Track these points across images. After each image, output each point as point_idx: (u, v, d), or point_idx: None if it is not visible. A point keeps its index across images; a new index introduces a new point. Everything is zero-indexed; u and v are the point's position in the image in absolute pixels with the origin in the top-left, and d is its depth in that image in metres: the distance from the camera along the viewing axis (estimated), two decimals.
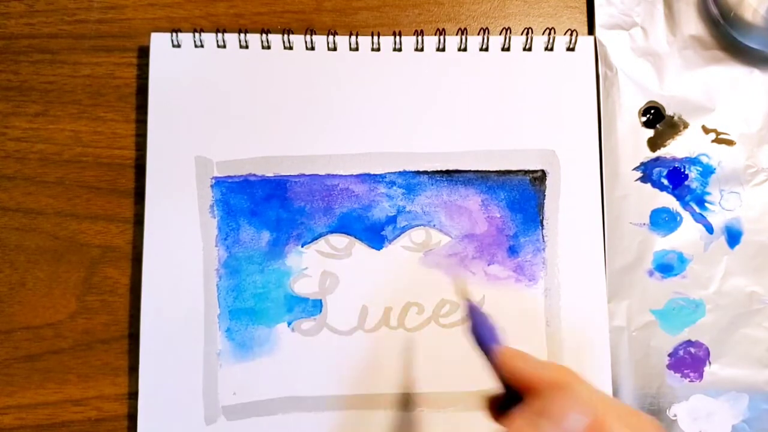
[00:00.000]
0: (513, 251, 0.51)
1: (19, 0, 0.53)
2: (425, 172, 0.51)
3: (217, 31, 0.52)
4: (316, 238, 0.50)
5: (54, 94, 0.52)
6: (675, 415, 0.50)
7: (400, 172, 0.51)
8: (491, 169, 0.51)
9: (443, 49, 0.52)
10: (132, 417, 0.49)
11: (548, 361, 0.39)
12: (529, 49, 0.52)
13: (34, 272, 0.51)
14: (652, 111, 0.53)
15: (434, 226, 0.51)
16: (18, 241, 0.51)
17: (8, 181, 0.52)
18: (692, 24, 0.54)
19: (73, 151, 0.52)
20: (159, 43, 0.52)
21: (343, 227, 0.50)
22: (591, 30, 0.54)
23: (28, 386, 0.50)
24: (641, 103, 0.53)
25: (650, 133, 0.53)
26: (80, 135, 0.52)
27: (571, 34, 0.52)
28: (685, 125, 0.53)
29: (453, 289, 0.50)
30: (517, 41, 0.52)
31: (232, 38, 0.52)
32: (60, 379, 0.50)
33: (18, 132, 0.52)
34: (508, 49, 0.52)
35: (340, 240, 0.50)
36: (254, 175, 0.51)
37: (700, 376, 0.51)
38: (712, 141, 0.53)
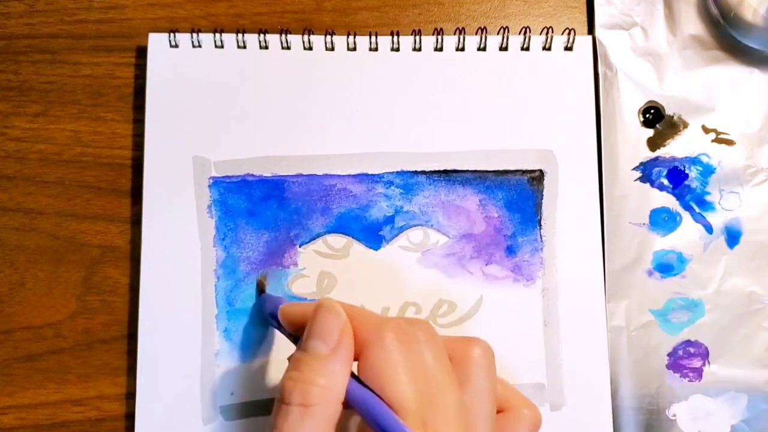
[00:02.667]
0: (511, 251, 0.51)
1: (19, 0, 0.53)
2: (423, 172, 0.51)
3: (215, 32, 0.52)
4: (314, 238, 0.50)
5: (54, 94, 0.53)
6: (674, 415, 0.50)
7: (397, 172, 0.51)
8: (489, 169, 0.51)
9: (441, 49, 0.52)
10: (132, 417, 0.49)
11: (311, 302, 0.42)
12: (527, 49, 0.52)
13: (34, 272, 0.51)
14: (652, 111, 0.53)
15: (432, 226, 0.51)
16: (18, 241, 0.51)
17: (8, 181, 0.52)
18: (692, 24, 0.54)
19: (73, 151, 0.52)
20: (157, 43, 0.52)
21: (340, 227, 0.50)
22: (591, 30, 0.54)
23: (28, 386, 0.50)
24: (641, 103, 0.53)
25: (650, 132, 0.53)
26: (80, 135, 0.52)
27: (569, 34, 0.52)
28: (685, 125, 0.53)
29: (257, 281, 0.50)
30: (515, 41, 0.52)
31: (229, 38, 0.52)
32: (60, 379, 0.50)
33: (18, 132, 0.52)
34: (506, 49, 0.52)
35: (337, 240, 0.50)
36: (252, 175, 0.51)
37: (699, 376, 0.51)
38: (712, 141, 0.53)
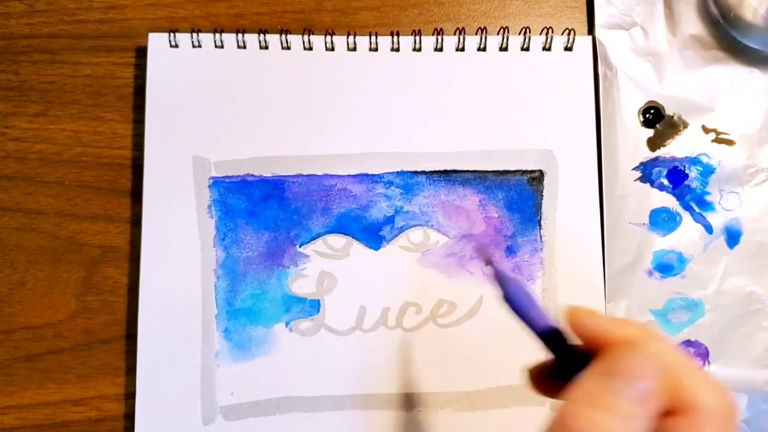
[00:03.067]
0: (511, 251, 0.51)
1: (19, 0, 0.53)
2: (423, 172, 0.51)
3: (215, 32, 0.52)
4: (314, 238, 0.50)
5: (54, 94, 0.53)
6: None
7: (397, 172, 0.51)
8: (489, 169, 0.51)
9: (441, 49, 0.52)
10: (132, 417, 0.49)
11: (620, 318, 0.35)
12: (527, 49, 0.52)
13: (34, 272, 0.51)
14: (652, 111, 0.53)
15: (432, 226, 0.51)
16: (18, 241, 0.51)
17: (8, 181, 0.52)
18: (692, 24, 0.54)
19: (73, 151, 0.52)
20: (157, 43, 0.52)
21: (340, 227, 0.50)
22: (591, 30, 0.54)
23: (28, 386, 0.50)
24: (641, 103, 0.53)
25: (650, 132, 0.53)
26: (80, 135, 0.52)
27: (569, 34, 0.52)
28: (685, 125, 0.53)
29: (479, 258, 0.49)
30: (515, 41, 0.52)
31: (229, 38, 0.52)
32: (60, 379, 0.50)
33: (18, 132, 0.52)
34: (506, 49, 0.52)
35: (337, 240, 0.50)
36: (252, 175, 0.51)
37: None
38: (712, 141, 0.53)
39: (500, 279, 0.36)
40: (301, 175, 0.51)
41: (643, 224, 0.52)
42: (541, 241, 0.51)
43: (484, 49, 0.52)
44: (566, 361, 0.34)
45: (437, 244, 0.51)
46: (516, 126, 0.52)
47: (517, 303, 0.36)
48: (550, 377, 0.36)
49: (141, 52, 0.53)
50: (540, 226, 0.51)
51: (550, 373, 0.36)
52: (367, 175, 0.51)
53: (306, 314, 0.50)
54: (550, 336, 0.35)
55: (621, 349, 0.31)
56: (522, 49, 0.52)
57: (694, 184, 0.52)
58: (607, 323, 0.32)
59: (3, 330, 0.51)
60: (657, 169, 0.52)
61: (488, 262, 0.41)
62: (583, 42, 0.53)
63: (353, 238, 0.50)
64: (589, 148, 0.52)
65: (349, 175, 0.51)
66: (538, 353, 0.50)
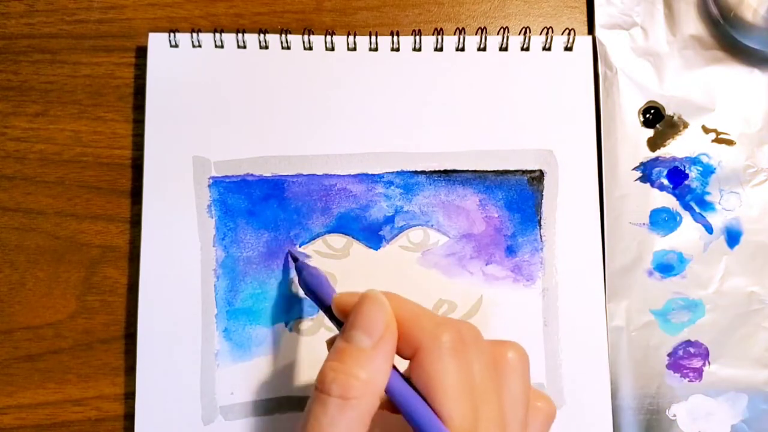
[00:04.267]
0: (511, 251, 0.51)
1: (19, 0, 0.54)
2: (423, 172, 0.51)
3: (214, 32, 0.52)
4: (314, 238, 0.50)
5: (54, 94, 0.53)
6: (674, 415, 0.50)
7: (397, 171, 0.51)
8: (489, 169, 0.51)
9: (441, 49, 0.52)
10: (132, 417, 0.49)
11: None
12: (527, 49, 0.52)
13: (34, 272, 0.51)
14: (652, 111, 0.53)
15: (432, 226, 0.51)
16: (18, 241, 0.51)
17: (8, 181, 0.52)
18: (692, 24, 0.54)
19: (73, 151, 0.52)
20: (157, 43, 0.52)
21: (340, 227, 0.50)
22: (591, 30, 0.54)
23: (28, 386, 0.50)
24: (641, 103, 0.53)
25: (650, 133, 0.53)
26: (80, 135, 0.52)
27: (569, 34, 0.52)
28: (685, 125, 0.53)
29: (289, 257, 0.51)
30: (515, 41, 0.52)
31: (229, 38, 0.52)
32: (60, 379, 0.50)
33: (18, 132, 0.52)
34: (506, 49, 0.52)
35: (337, 240, 0.50)
36: (252, 175, 0.51)
37: (700, 376, 0.51)
38: (712, 141, 0.53)
39: (298, 268, 0.46)
40: (301, 175, 0.51)
41: (643, 224, 0.52)
42: (542, 241, 0.51)
43: (484, 49, 0.52)
44: None
45: (437, 244, 0.51)
46: (516, 126, 0.52)
47: (310, 285, 0.43)
48: None
49: (141, 52, 0.53)
50: (540, 225, 0.51)
51: None
52: (367, 174, 0.51)
53: (306, 314, 0.50)
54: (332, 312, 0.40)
55: (355, 306, 0.37)
56: (522, 49, 0.52)
57: (694, 184, 0.52)
58: (353, 298, 0.38)
59: (3, 330, 0.51)
60: (657, 169, 0.52)
61: (295, 259, 0.48)
62: (583, 42, 0.53)
63: (353, 237, 0.50)
64: (589, 148, 0.52)
65: (349, 175, 0.51)
66: (538, 353, 0.51)
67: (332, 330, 0.50)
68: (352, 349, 0.36)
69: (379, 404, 0.36)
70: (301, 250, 0.50)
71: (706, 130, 0.53)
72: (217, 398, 0.49)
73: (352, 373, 0.35)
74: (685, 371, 0.51)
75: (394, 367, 0.37)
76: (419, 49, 0.52)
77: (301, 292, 0.50)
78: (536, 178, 0.51)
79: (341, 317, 0.39)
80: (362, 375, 0.35)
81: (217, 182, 0.50)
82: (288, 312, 0.50)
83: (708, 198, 0.52)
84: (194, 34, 0.52)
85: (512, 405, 0.37)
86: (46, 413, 0.50)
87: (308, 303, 0.50)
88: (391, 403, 0.37)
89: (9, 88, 0.53)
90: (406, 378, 0.36)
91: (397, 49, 0.52)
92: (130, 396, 0.50)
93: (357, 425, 0.34)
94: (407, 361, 0.37)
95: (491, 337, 0.39)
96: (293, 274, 0.50)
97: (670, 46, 0.53)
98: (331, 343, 0.42)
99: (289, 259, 0.50)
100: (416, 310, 0.38)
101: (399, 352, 0.37)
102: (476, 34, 0.52)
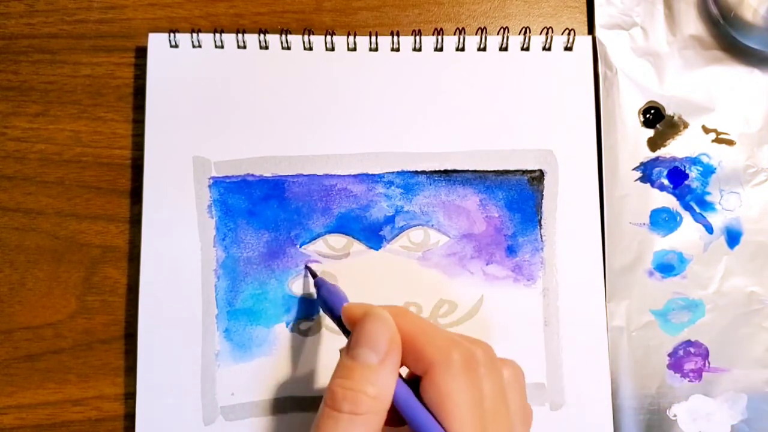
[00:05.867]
0: (511, 251, 0.51)
1: (19, 0, 0.53)
2: (423, 172, 0.51)
3: (215, 32, 0.52)
4: (315, 238, 0.50)
5: (54, 94, 0.53)
6: (675, 415, 0.50)
7: (398, 171, 0.51)
8: (489, 169, 0.51)
9: (441, 49, 0.52)
10: (132, 417, 0.49)
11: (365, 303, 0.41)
12: (527, 49, 0.52)
13: (34, 272, 0.51)
14: (652, 111, 0.53)
15: (432, 225, 0.51)
16: (18, 241, 0.51)
17: (8, 181, 0.52)
18: (692, 24, 0.54)
19: (73, 151, 0.52)
20: (157, 43, 0.52)
21: (341, 227, 0.50)
22: (591, 30, 0.54)
23: (28, 386, 0.50)
24: (641, 103, 0.53)
25: (650, 133, 0.53)
26: (80, 135, 0.52)
27: (569, 34, 0.52)
28: (685, 125, 0.53)
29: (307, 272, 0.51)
30: (515, 41, 0.52)
31: (230, 38, 0.52)
32: (60, 379, 0.50)
33: (18, 132, 0.52)
34: (506, 49, 0.52)
35: (338, 240, 0.50)
36: (252, 175, 0.51)
37: (700, 376, 0.51)
38: (712, 141, 0.53)
39: (317, 284, 0.46)
40: (301, 175, 0.51)
41: (644, 224, 0.52)
42: (542, 241, 0.51)
43: (484, 49, 0.52)
44: None
45: (438, 244, 0.51)
46: (516, 126, 0.52)
47: (328, 301, 0.44)
48: None
49: (141, 52, 0.53)
50: (540, 225, 0.51)
51: None
52: (367, 174, 0.51)
53: (306, 314, 0.50)
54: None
55: (358, 324, 0.38)
56: (522, 49, 0.52)
57: (695, 184, 0.52)
58: (362, 309, 0.39)
59: (3, 330, 0.51)
60: (657, 169, 0.52)
61: (314, 274, 0.48)
62: (583, 42, 0.53)
63: (354, 238, 0.50)
64: (589, 148, 0.52)
65: (349, 175, 0.51)
66: (538, 353, 0.51)
67: (332, 330, 0.50)
68: (359, 366, 0.36)
69: (386, 417, 0.36)
70: (301, 250, 0.50)
71: (706, 130, 0.53)
72: (218, 399, 0.49)
73: (361, 389, 0.36)
74: (685, 371, 0.51)
75: (403, 381, 0.37)
76: (419, 49, 0.52)
77: (301, 292, 0.50)
78: (536, 178, 0.51)
79: (350, 327, 0.40)
80: (371, 391, 0.36)
81: (217, 182, 0.50)
82: (288, 312, 0.50)
83: (708, 198, 0.52)
84: (194, 35, 0.52)
85: (515, 423, 0.38)
86: (46, 413, 0.50)
87: (308, 303, 0.50)
88: (393, 418, 0.37)
89: (9, 88, 0.53)
90: (415, 392, 0.37)
91: (397, 49, 0.52)
92: (130, 396, 0.50)
93: None
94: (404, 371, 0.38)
95: (492, 337, 0.39)
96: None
97: (670, 46, 0.53)
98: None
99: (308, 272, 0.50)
100: (429, 328, 0.38)
101: (411, 368, 0.38)
102: (476, 34, 0.52)
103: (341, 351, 0.41)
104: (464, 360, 0.36)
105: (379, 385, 0.36)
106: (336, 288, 0.45)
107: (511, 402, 0.38)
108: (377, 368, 0.36)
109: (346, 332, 0.41)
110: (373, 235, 0.50)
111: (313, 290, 0.50)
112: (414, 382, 0.38)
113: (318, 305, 0.49)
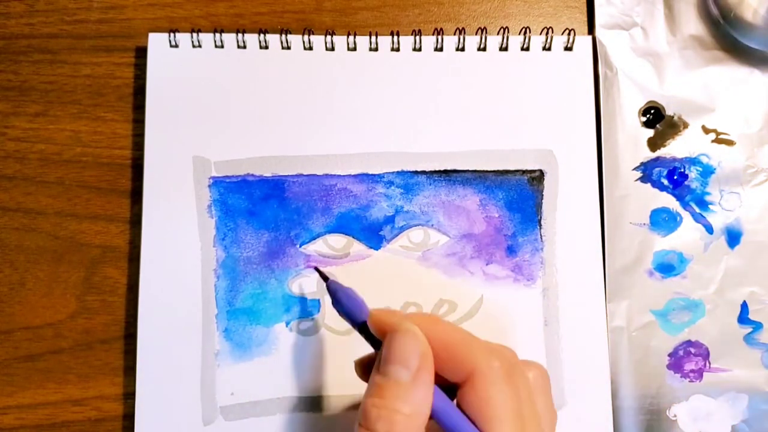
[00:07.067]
0: (511, 251, 0.51)
1: (19, 0, 0.53)
2: (423, 172, 0.51)
3: (215, 32, 0.52)
4: (314, 238, 0.50)
5: (54, 94, 0.53)
6: (675, 416, 0.50)
7: (398, 171, 0.51)
8: (489, 169, 0.51)
9: (441, 49, 0.52)
10: (132, 417, 0.49)
11: (394, 311, 0.41)
12: (527, 49, 0.52)
13: (34, 272, 0.51)
14: (652, 111, 0.53)
15: (432, 225, 0.51)
16: (18, 241, 0.51)
17: (8, 181, 0.52)
18: (692, 24, 0.54)
19: (73, 151, 0.52)
20: (157, 43, 0.52)
21: (341, 227, 0.50)
22: (591, 30, 0.54)
23: (28, 386, 0.50)
24: (641, 103, 0.53)
25: (650, 133, 0.53)
26: (80, 135, 0.52)
27: (569, 34, 0.52)
28: (685, 125, 0.53)
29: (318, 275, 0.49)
30: (515, 41, 0.52)
31: (230, 38, 0.52)
32: (60, 379, 0.50)
33: (18, 132, 0.52)
34: (506, 49, 0.52)
35: (338, 240, 0.50)
36: (252, 175, 0.51)
37: (700, 377, 0.51)
38: (712, 141, 0.53)
39: (332, 289, 0.42)
40: (301, 175, 0.51)
41: (644, 224, 0.52)
42: (542, 241, 0.51)
43: (484, 49, 0.52)
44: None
45: (438, 244, 0.51)
46: (516, 126, 0.52)
47: (346, 306, 0.41)
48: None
49: (141, 52, 0.53)
50: (540, 225, 0.51)
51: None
52: (367, 174, 0.51)
53: (306, 314, 0.50)
54: (367, 329, 0.39)
55: (386, 340, 0.37)
56: (522, 49, 0.52)
57: (695, 185, 0.52)
58: (390, 317, 0.38)
59: (3, 330, 0.51)
60: (657, 169, 0.52)
61: (325, 278, 0.44)
62: (583, 42, 0.53)
63: (353, 237, 0.50)
64: (589, 148, 0.52)
65: (349, 175, 0.51)
66: (538, 353, 0.51)
67: (331, 330, 0.50)
68: (391, 384, 0.35)
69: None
70: (301, 250, 0.50)
71: (706, 130, 0.53)
72: (218, 398, 0.49)
73: (395, 408, 0.35)
74: (685, 371, 0.51)
75: (441, 391, 0.37)
76: (419, 49, 0.52)
77: (301, 293, 0.50)
78: (536, 178, 0.51)
79: (379, 335, 0.38)
80: (405, 409, 0.35)
81: (217, 182, 0.50)
82: (288, 312, 0.50)
83: (708, 198, 0.52)
84: (194, 34, 0.52)
85: (544, 425, 0.38)
86: (46, 413, 0.50)
87: (308, 303, 0.50)
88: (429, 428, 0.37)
89: (9, 88, 0.53)
90: (461, 408, 0.36)
91: (397, 49, 0.52)
92: (130, 396, 0.50)
93: None
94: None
95: (492, 337, 0.39)
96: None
97: (670, 46, 0.53)
98: (360, 363, 0.42)
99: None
100: (465, 335, 0.37)
101: (448, 377, 0.37)
102: (476, 34, 0.52)
103: (355, 362, 0.41)
104: (504, 367, 0.36)
105: (413, 402, 0.35)
106: (352, 292, 0.43)
107: (539, 404, 0.38)
108: (410, 385, 0.35)
109: (369, 338, 0.40)
110: (373, 235, 0.50)
111: (313, 290, 0.50)
112: (445, 390, 0.37)
113: (318, 305, 0.49)
